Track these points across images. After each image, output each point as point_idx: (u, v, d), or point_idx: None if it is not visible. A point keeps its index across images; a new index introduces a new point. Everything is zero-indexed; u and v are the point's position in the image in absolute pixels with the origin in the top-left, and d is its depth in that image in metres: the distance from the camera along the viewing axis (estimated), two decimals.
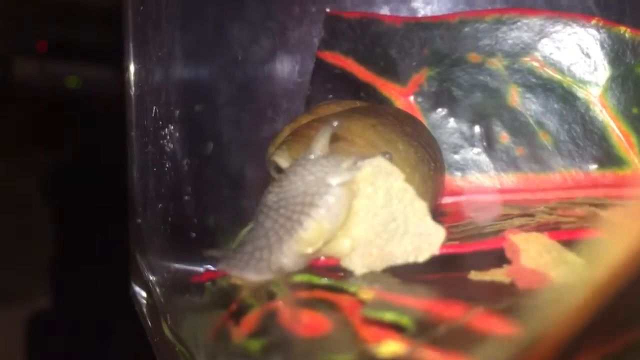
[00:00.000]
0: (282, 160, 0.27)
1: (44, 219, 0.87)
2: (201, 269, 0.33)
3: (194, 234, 0.36)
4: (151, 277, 0.37)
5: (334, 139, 0.26)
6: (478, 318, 0.19)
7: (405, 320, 0.19)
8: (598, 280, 0.09)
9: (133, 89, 0.38)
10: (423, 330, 0.19)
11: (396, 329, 0.19)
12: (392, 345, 0.17)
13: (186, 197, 0.37)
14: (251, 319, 0.21)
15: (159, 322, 0.34)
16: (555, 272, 0.23)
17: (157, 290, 0.36)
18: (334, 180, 0.24)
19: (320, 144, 0.25)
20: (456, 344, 0.17)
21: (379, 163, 0.24)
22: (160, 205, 0.37)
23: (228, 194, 0.38)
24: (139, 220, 0.38)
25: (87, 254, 0.82)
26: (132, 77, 0.38)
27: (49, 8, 0.95)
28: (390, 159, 0.24)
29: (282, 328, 0.20)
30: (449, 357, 0.17)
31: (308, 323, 0.20)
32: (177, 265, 0.36)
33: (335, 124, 0.25)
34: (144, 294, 0.37)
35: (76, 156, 0.93)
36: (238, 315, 0.22)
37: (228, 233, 0.36)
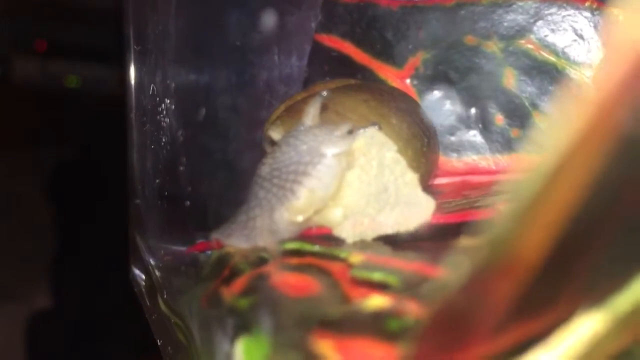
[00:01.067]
0: (276, 134, 0.28)
1: (44, 218, 0.87)
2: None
3: (191, 209, 0.36)
4: (150, 259, 0.37)
5: (327, 112, 0.27)
6: None
7: (392, 279, 0.20)
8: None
9: (133, 72, 0.38)
10: (408, 288, 0.19)
11: (383, 287, 0.20)
12: (377, 300, 0.18)
13: (183, 175, 0.37)
14: (242, 281, 0.21)
15: (156, 300, 0.34)
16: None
17: (156, 271, 0.36)
18: (329, 150, 0.24)
19: (311, 114, 0.25)
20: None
21: (373, 134, 0.25)
22: (157, 183, 0.37)
23: (225, 174, 0.39)
24: (138, 201, 0.38)
25: (87, 253, 0.82)
26: (132, 61, 0.38)
27: (48, 7, 0.95)
28: (380, 129, 0.25)
29: (271, 288, 0.20)
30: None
31: (297, 284, 0.21)
32: (175, 246, 0.37)
33: (325, 93, 0.25)
34: (143, 276, 0.38)
35: (76, 155, 0.93)
36: (230, 279, 0.22)
37: (224, 211, 0.37)
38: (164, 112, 0.36)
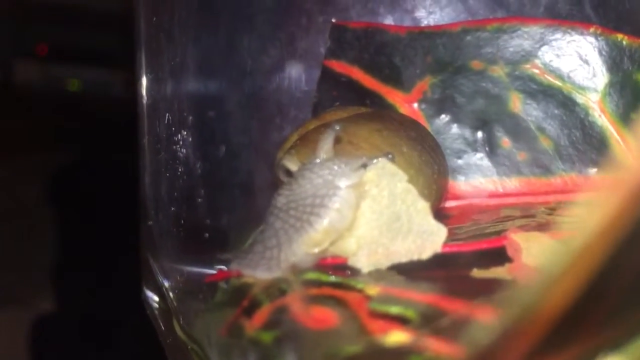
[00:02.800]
0: (291, 164, 0.28)
1: (47, 222, 0.88)
2: (214, 271, 0.34)
3: (206, 235, 0.37)
4: (164, 282, 0.38)
5: (341, 143, 0.27)
6: (480, 311, 0.20)
7: (410, 313, 0.20)
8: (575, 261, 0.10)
9: (145, 97, 0.39)
10: (427, 322, 0.20)
11: (401, 321, 0.20)
12: (398, 335, 0.18)
13: (198, 200, 0.38)
14: (263, 313, 0.22)
15: (171, 324, 0.35)
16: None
17: (170, 294, 0.37)
18: (342, 183, 0.25)
19: (325, 147, 0.26)
20: (459, 334, 0.18)
21: (384, 165, 0.25)
22: (172, 209, 0.38)
23: (238, 197, 0.39)
24: (151, 223, 0.39)
25: (89, 257, 0.83)
26: (144, 87, 0.39)
27: (49, 11, 0.96)
28: (393, 160, 0.25)
29: (293, 321, 0.21)
30: (452, 345, 0.18)
31: (317, 317, 0.21)
32: (190, 268, 0.37)
33: (338, 127, 0.26)
34: (156, 298, 0.38)
35: (77, 159, 0.93)
36: (250, 310, 0.23)
37: (239, 235, 0.38)
38: (178, 141, 0.37)
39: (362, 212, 0.25)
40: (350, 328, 0.21)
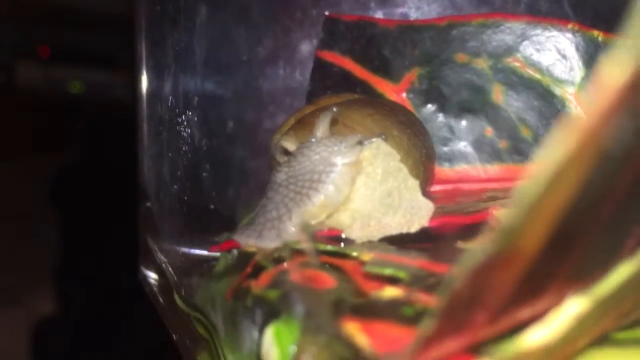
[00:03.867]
0: (289, 144, 0.30)
1: (47, 223, 0.88)
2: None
3: (203, 215, 0.39)
4: (165, 260, 0.40)
5: (336, 125, 0.29)
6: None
7: (401, 274, 0.22)
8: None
9: (145, 83, 0.41)
10: (417, 282, 0.22)
11: (393, 281, 0.22)
12: (391, 291, 0.20)
13: (196, 181, 0.40)
14: (267, 276, 0.24)
15: (171, 298, 0.37)
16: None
17: (170, 269, 0.39)
18: (339, 160, 0.27)
19: (322, 127, 0.28)
20: None
21: (378, 145, 0.27)
22: (171, 190, 0.39)
23: (234, 180, 0.41)
24: (149, 204, 0.41)
25: (90, 258, 0.83)
26: (144, 75, 0.41)
27: (51, 13, 0.97)
28: (386, 140, 0.28)
29: (295, 282, 0.23)
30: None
31: (316, 279, 0.23)
32: (188, 248, 0.39)
33: (335, 109, 0.28)
34: (154, 275, 0.40)
35: (79, 160, 0.94)
36: (254, 275, 0.25)
37: (233, 215, 0.40)
38: (184, 122, 0.38)
39: (357, 188, 0.27)
40: (346, 288, 0.23)
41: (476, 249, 0.12)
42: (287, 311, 0.21)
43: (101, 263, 0.79)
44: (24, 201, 0.88)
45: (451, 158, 0.39)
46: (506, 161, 0.39)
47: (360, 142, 0.27)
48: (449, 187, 0.39)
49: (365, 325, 0.18)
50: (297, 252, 0.26)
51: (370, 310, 0.19)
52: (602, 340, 0.20)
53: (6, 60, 0.98)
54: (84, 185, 0.88)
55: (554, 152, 0.10)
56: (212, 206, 0.40)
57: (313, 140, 0.28)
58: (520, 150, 0.39)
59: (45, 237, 0.86)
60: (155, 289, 0.40)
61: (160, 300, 0.38)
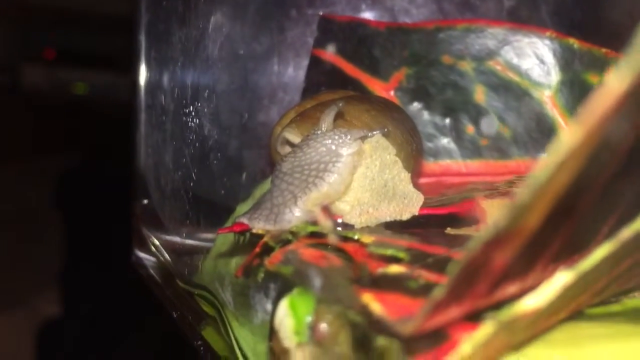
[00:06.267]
0: (292, 136, 0.33)
1: (52, 225, 0.88)
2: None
3: (200, 204, 0.41)
4: (158, 243, 0.42)
5: (337, 120, 0.32)
6: (458, 253, 0.25)
7: (402, 255, 0.25)
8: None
9: (144, 75, 0.43)
10: (416, 261, 0.24)
11: (395, 260, 0.25)
12: (396, 268, 0.23)
13: (192, 173, 0.42)
14: (277, 254, 0.26)
15: (170, 278, 0.39)
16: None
17: (166, 255, 0.40)
18: (344, 151, 0.29)
19: (328, 121, 0.30)
20: (442, 268, 0.23)
21: (378, 139, 0.30)
22: (169, 178, 0.41)
23: (229, 169, 0.43)
24: (146, 201, 0.43)
25: (96, 260, 0.83)
26: (143, 69, 0.43)
27: (57, 16, 0.97)
28: (387, 134, 0.30)
29: (304, 260, 0.25)
30: (439, 277, 0.22)
31: (323, 258, 0.26)
32: (186, 233, 0.41)
33: (341, 104, 0.30)
34: (151, 258, 0.42)
35: (84, 162, 0.94)
36: (265, 254, 0.27)
37: (228, 204, 0.42)
38: (191, 114, 0.40)
39: (356, 178, 0.30)
40: (347, 266, 0.25)
41: (490, 224, 0.15)
42: (301, 285, 0.23)
43: (105, 265, 0.80)
44: (28, 202, 0.87)
45: (435, 153, 0.42)
46: (486, 157, 0.42)
47: (363, 136, 0.30)
48: (432, 180, 0.41)
49: (378, 295, 0.20)
50: (300, 234, 0.28)
51: (380, 284, 0.21)
52: (578, 315, 0.23)
53: (12, 62, 0.98)
54: (89, 186, 0.88)
55: (562, 143, 0.13)
56: (210, 193, 0.42)
57: (319, 132, 0.30)
58: (499, 148, 0.42)
59: (50, 239, 0.86)
60: (151, 270, 0.41)
61: (158, 279, 0.40)
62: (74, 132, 0.95)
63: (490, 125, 0.41)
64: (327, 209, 0.28)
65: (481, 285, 0.19)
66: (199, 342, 0.32)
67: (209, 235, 0.40)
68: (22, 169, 0.89)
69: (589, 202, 0.17)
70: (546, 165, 0.13)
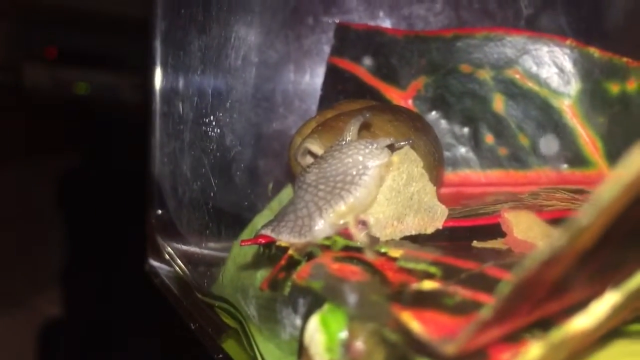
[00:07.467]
0: (314, 147, 0.32)
1: (53, 225, 0.88)
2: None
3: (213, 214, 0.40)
4: (173, 253, 0.41)
5: (360, 130, 0.31)
6: (491, 269, 0.24)
7: (433, 270, 0.24)
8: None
9: (159, 86, 0.42)
10: (449, 276, 0.24)
11: (426, 276, 0.24)
12: (430, 284, 0.23)
13: (207, 183, 0.41)
14: (306, 268, 0.25)
15: (187, 288, 0.38)
16: (542, 243, 0.29)
17: (183, 265, 0.40)
18: (371, 163, 0.29)
19: (353, 131, 0.30)
20: (477, 285, 0.23)
21: (407, 151, 0.30)
22: (184, 192, 0.41)
23: (246, 179, 0.43)
24: (160, 212, 0.42)
25: (96, 260, 0.83)
26: (158, 78, 0.42)
27: (59, 15, 0.97)
28: (412, 144, 0.30)
29: (331, 275, 0.25)
30: (475, 294, 0.22)
31: (350, 272, 0.25)
32: (204, 243, 0.41)
33: (368, 115, 0.30)
34: (166, 267, 0.41)
35: (86, 162, 0.94)
36: (291, 267, 0.26)
37: (240, 214, 0.41)
38: (210, 123, 0.40)
39: (382, 190, 0.29)
40: (378, 281, 0.25)
41: (545, 245, 0.14)
42: (332, 300, 0.23)
43: (107, 265, 0.79)
44: (29, 202, 0.87)
45: (454, 163, 0.42)
46: (505, 167, 0.41)
47: (390, 146, 0.29)
48: (452, 190, 0.41)
49: (416, 313, 0.20)
50: (326, 248, 0.28)
51: (417, 301, 0.21)
52: (615, 332, 0.23)
53: (13, 62, 0.98)
54: (90, 186, 0.88)
55: (630, 163, 0.12)
56: (228, 203, 0.41)
57: (343, 142, 0.30)
58: (518, 157, 0.41)
59: (51, 239, 0.86)
60: (167, 280, 0.41)
61: (174, 290, 0.40)
62: (74, 132, 0.94)
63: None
64: (363, 223, 0.27)
65: (526, 305, 0.18)
66: (220, 356, 0.31)
67: (226, 245, 0.40)
68: (23, 169, 0.89)
69: (629, 227, 0.17)
70: (612, 185, 0.13)
